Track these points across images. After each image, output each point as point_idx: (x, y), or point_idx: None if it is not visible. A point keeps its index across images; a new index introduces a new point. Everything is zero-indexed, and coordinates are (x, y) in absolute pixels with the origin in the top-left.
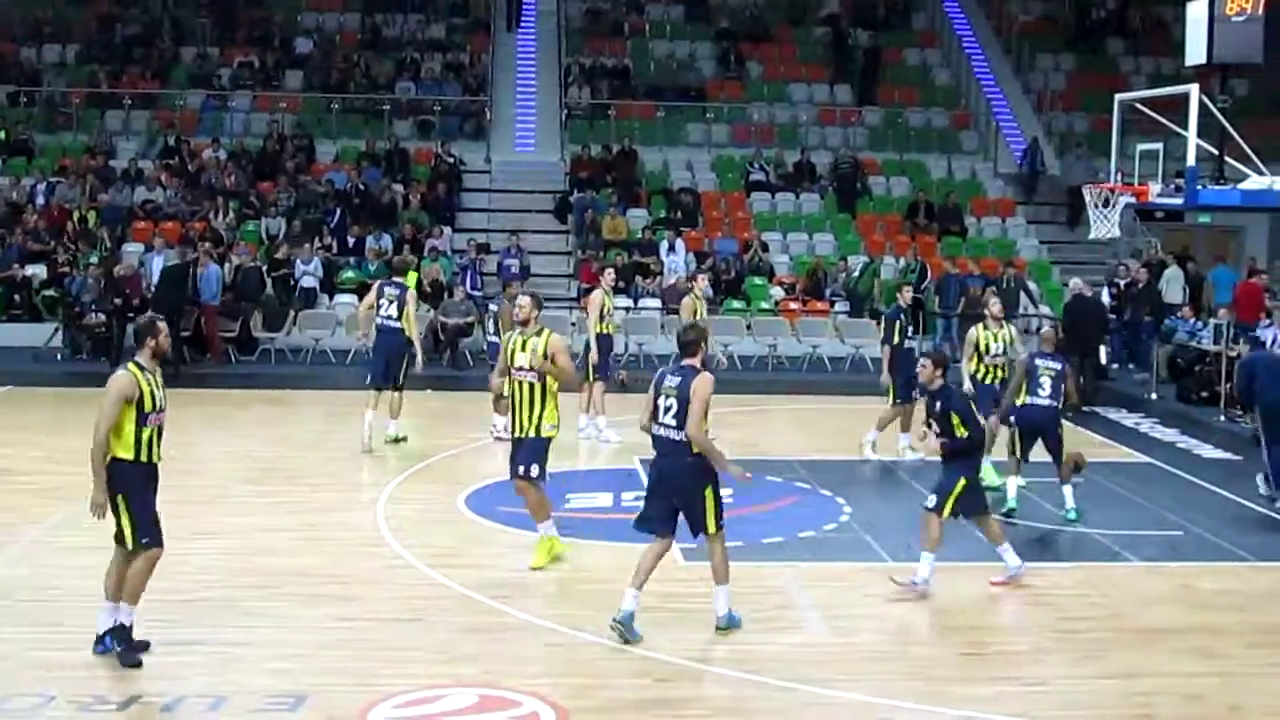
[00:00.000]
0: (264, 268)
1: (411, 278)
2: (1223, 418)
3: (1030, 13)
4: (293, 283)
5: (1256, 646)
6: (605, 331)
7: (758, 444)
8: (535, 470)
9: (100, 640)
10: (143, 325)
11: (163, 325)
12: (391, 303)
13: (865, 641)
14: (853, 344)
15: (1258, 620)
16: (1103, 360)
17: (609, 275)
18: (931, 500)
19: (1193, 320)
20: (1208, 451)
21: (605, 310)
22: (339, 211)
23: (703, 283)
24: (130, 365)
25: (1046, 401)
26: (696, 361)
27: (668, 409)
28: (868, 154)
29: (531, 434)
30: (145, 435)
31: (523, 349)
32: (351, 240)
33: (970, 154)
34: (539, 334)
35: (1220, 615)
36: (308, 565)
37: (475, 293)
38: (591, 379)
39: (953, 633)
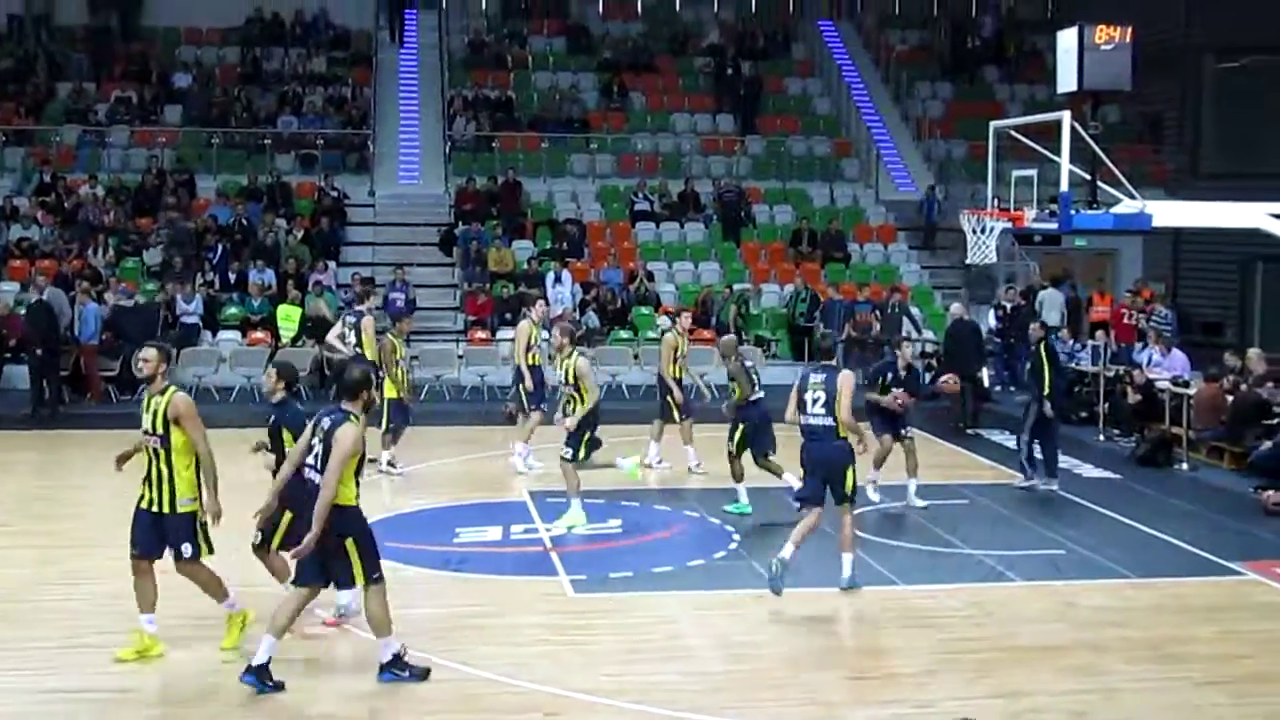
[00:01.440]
0: (160, 306)
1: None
2: (1102, 437)
3: (907, 42)
4: (173, 320)
5: (1138, 662)
6: (534, 363)
7: (647, 472)
8: (189, 550)
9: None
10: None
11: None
12: (351, 330)
13: (756, 669)
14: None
15: (1139, 636)
16: (985, 383)
17: (539, 307)
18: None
19: (1071, 342)
20: (1088, 471)
21: (533, 340)
22: (221, 247)
23: (686, 321)
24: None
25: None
26: (834, 362)
27: (815, 400)
28: (751, 183)
29: (168, 512)
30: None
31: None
32: (234, 276)
33: (852, 181)
34: (568, 357)
35: (1102, 632)
36: (195, 608)
37: None
38: (527, 409)
39: (841, 656)
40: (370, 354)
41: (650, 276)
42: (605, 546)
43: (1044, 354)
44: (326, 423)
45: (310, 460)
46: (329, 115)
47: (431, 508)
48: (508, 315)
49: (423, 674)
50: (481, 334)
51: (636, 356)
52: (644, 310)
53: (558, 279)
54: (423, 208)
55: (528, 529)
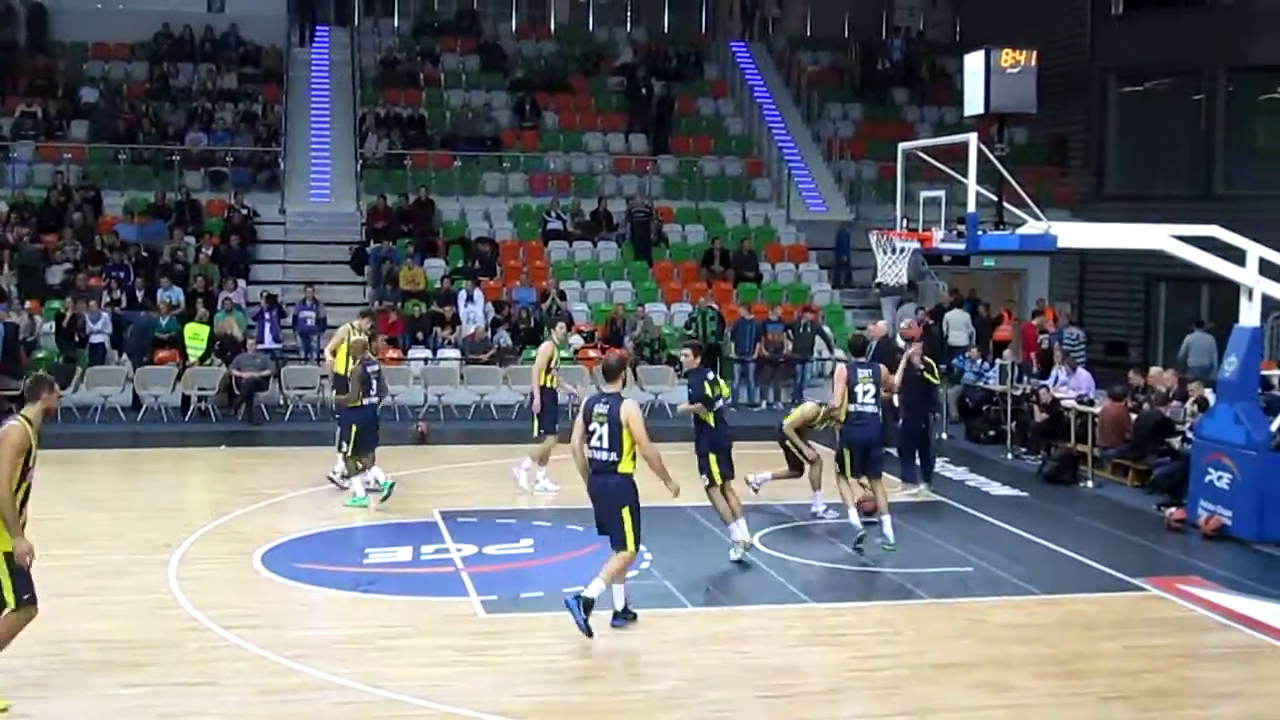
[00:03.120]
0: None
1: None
2: (1009, 455)
3: (819, 63)
4: (79, 339)
5: (1046, 677)
6: (550, 384)
7: (563, 492)
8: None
9: None
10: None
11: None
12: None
13: (666, 689)
14: (651, 390)
15: (1047, 652)
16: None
17: (560, 328)
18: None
19: (980, 361)
20: (995, 489)
21: (554, 363)
22: (128, 265)
23: (562, 331)
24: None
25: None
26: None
27: (867, 391)
28: (663, 202)
29: None
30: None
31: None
32: (141, 294)
33: (764, 201)
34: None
35: (1010, 648)
36: (97, 630)
37: (273, 345)
38: (538, 431)
39: (751, 675)
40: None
41: (562, 295)
42: (517, 566)
43: (925, 371)
44: None
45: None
46: (239, 132)
47: (341, 528)
48: (419, 334)
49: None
50: (393, 353)
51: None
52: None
53: (470, 298)
54: (334, 226)
55: (438, 549)
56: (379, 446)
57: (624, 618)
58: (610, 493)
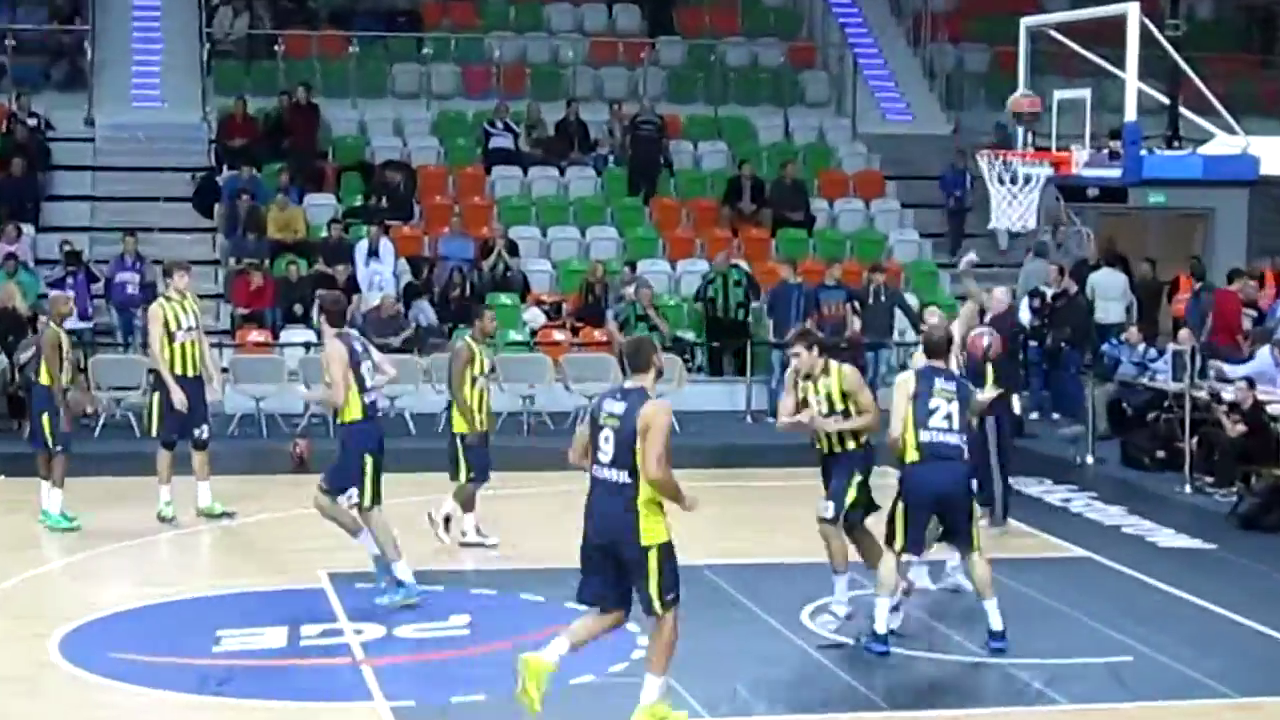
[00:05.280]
0: None
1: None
2: (1187, 488)
3: None
4: None
5: None
6: (477, 400)
7: (515, 546)
8: None
9: None
10: None
11: None
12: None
13: None
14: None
15: None
16: (1015, 409)
17: (486, 320)
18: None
19: (1142, 347)
20: (1167, 538)
21: (477, 368)
22: None
23: (490, 322)
24: None
25: None
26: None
27: (947, 415)
28: (666, 108)
29: None
30: None
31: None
32: None
33: (817, 106)
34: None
35: None
36: None
37: (78, 324)
38: (462, 470)
39: None
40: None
41: (514, 249)
42: (445, 656)
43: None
44: None
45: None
46: (24, 5)
47: (181, 599)
48: (297, 307)
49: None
50: (257, 335)
51: (493, 370)
52: (504, 299)
53: (374, 252)
54: (167, 144)
55: (326, 630)
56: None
57: None
58: (618, 531)
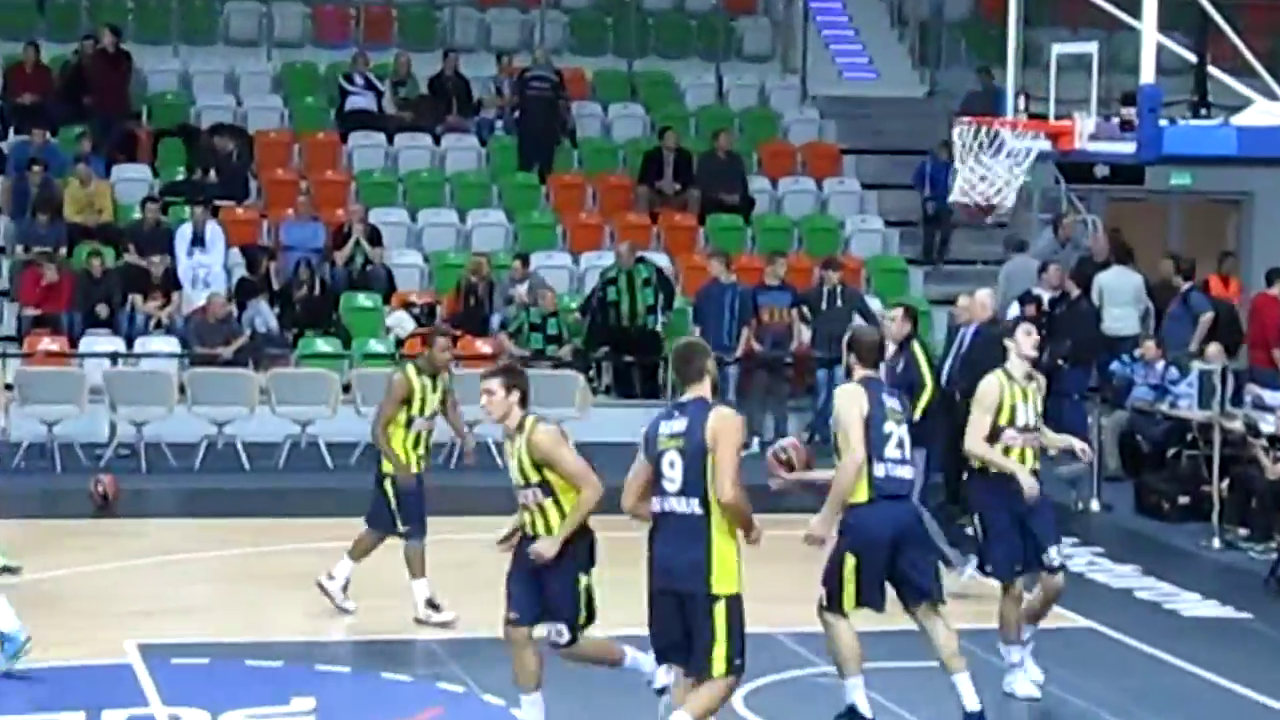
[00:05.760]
0: None
1: None
2: (1217, 542)
3: None
4: None
5: None
6: (416, 445)
7: (380, 611)
8: None
9: None
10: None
11: None
12: None
13: None
14: (552, 414)
15: None
16: None
17: (440, 348)
18: None
19: (1161, 365)
20: (1191, 605)
21: (419, 406)
22: None
23: (443, 344)
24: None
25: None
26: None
27: (900, 442)
28: (568, 60)
29: None
30: None
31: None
32: None
33: (757, 61)
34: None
35: None
36: None
37: None
38: (397, 525)
39: None
40: None
41: (376, 237)
42: None
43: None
44: None
45: None
46: None
47: None
48: (102, 309)
49: None
50: (51, 343)
51: (348, 389)
52: (362, 300)
53: (198, 240)
54: None
55: (133, 717)
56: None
57: None
58: (691, 575)
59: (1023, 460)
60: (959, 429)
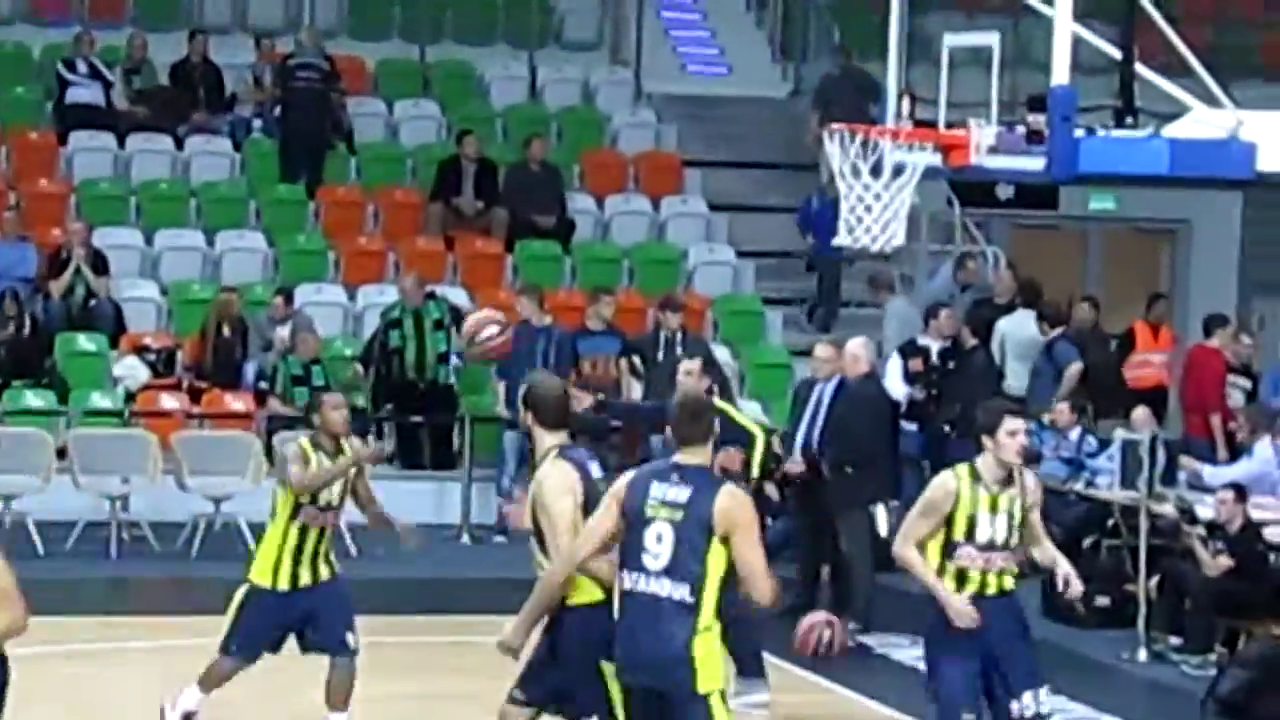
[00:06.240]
0: None
1: None
2: (1143, 654)
3: None
4: None
5: None
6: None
7: None
8: None
9: None
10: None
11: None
12: None
13: None
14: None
15: None
16: (880, 527)
17: (329, 409)
18: None
19: (1076, 434)
20: None
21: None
22: None
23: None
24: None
25: None
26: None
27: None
28: (341, 46)
29: None
30: None
31: None
32: None
33: (580, 49)
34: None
35: None
36: None
37: None
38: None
39: None
40: None
41: (101, 264)
42: None
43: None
44: None
45: None
46: None
47: None
48: None
49: None
50: None
51: (63, 454)
52: (84, 342)
53: None
54: None
55: None
56: None
57: None
58: (669, 669)
59: (983, 584)
60: (824, 510)
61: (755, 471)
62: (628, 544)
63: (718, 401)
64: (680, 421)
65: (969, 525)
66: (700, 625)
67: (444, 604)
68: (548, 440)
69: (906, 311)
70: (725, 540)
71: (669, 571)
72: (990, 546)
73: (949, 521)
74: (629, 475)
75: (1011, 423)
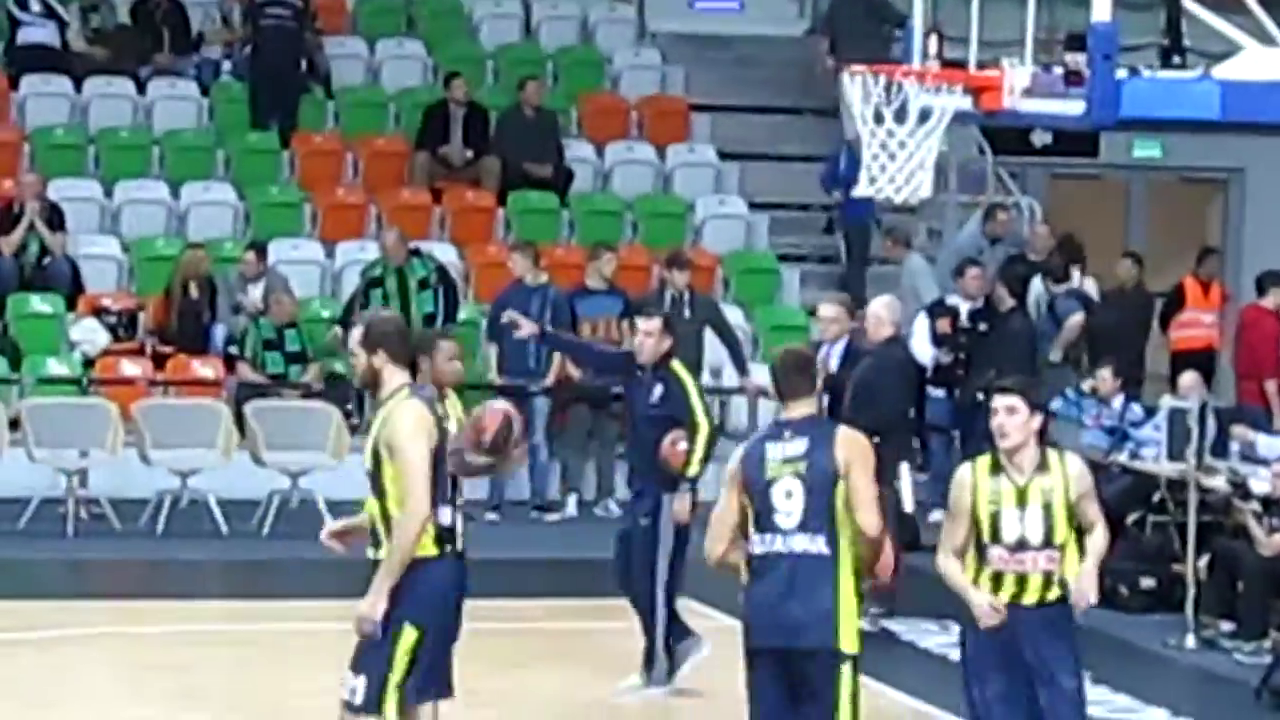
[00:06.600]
0: None
1: None
2: (1191, 640)
3: None
4: None
5: None
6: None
7: None
8: None
9: None
10: None
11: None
12: None
13: None
14: (280, 465)
15: None
16: (905, 501)
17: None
18: None
19: (1119, 402)
20: None
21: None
22: None
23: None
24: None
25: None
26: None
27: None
28: None
29: None
30: None
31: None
32: None
33: None
34: None
35: None
36: None
37: None
38: None
39: None
40: None
41: (57, 218)
42: None
43: None
44: None
45: None
46: None
47: None
48: None
49: None
50: None
51: (16, 425)
52: (39, 305)
53: None
54: None
55: None
56: None
57: None
58: (818, 628)
59: (1020, 590)
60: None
61: (694, 469)
62: (758, 510)
63: (681, 372)
64: (786, 375)
65: (993, 523)
66: (840, 578)
67: None
68: (397, 378)
69: (923, 268)
70: (848, 477)
71: (803, 526)
72: (1022, 546)
73: (972, 519)
74: (739, 452)
75: (995, 399)
